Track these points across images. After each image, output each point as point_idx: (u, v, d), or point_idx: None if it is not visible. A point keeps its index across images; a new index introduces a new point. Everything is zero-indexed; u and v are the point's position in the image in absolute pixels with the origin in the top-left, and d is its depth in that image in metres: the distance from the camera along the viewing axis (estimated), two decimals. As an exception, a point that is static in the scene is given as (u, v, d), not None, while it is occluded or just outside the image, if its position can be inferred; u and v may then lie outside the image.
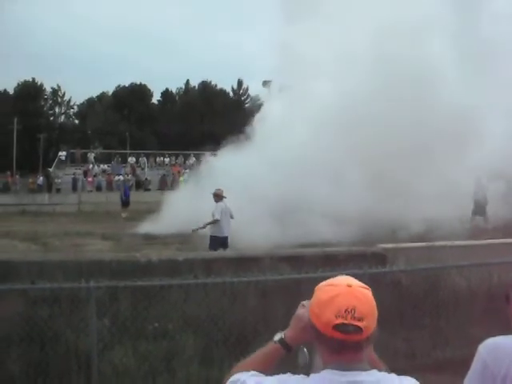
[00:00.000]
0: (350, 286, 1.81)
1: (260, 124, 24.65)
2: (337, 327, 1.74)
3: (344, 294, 1.78)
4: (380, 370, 1.88)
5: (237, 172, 19.64)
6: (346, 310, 1.74)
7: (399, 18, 20.12)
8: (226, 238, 13.52)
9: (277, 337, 2.06)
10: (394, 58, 19.69)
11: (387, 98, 19.36)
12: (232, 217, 13.69)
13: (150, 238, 19.12)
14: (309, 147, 19.72)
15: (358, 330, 1.74)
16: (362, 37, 21.07)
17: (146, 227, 21.42)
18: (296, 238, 14.57)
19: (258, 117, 26.03)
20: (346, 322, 1.73)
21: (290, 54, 24.11)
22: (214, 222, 13.32)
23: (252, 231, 15.44)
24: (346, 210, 17.14)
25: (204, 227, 13.79)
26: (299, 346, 2.04)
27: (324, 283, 1.88)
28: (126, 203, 31.89)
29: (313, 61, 22.82)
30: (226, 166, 20.70)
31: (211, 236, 13.50)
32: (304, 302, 2.01)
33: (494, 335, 2.33)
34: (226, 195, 13.80)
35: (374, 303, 1.82)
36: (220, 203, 13.52)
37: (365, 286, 1.85)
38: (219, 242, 13.24)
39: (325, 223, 16.84)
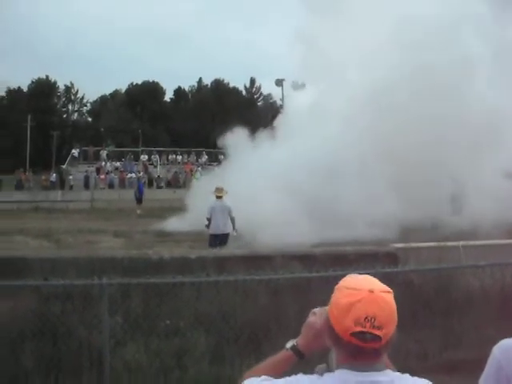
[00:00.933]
0: (371, 291, 1.76)
1: (285, 120, 24.37)
2: (355, 335, 1.72)
3: (365, 300, 1.74)
4: (394, 370, 1.88)
5: (267, 169, 19.58)
6: (365, 318, 1.71)
7: (425, 8, 20.08)
8: (221, 235, 13.65)
9: (289, 344, 2.06)
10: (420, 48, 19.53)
11: (413, 89, 19.30)
12: (231, 215, 13.70)
13: (162, 236, 19.17)
14: (337, 142, 19.57)
15: (377, 338, 1.72)
16: (387, 27, 20.95)
17: (172, 224, 21.39)
18: (333, 237, 14.29)
19: (282, 113, 25.70)
20: (364, 330, 1.71)
21: (315, 47, 23.89)
22: (208, 221, 13.72)
23: (290, 229, 15.26)
24: (375, 210, 17.11)
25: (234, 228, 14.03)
26: (312, 353, 2.04)
27: (345, 284, 1.83)
28: (140, 200, 32.06)
29: (338, 53, 22.68)
30: (252, 163, 20.52)
31: (209, 234, 13.93)
32: (315, 310, 2.01)
33: (507, 336, 2.32)
34: (226, 193, 14.17)
35: (394, 309, 1.78)
36: (213, 202, 13.88)
37: (387, 289, 1.81)
38: (213, 239, 13.61)
39: (357, 222, 16.72)
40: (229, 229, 13.83)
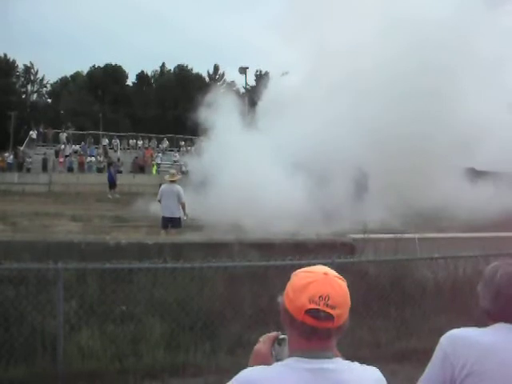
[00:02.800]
0: (326, 274, 1.83)
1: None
2: (309, 312, 1.76)
3: (320, 281, 1.80)
4: (343, 359, 1.91)
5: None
6: (320, 297, 1.76)
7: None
8: (172, 218, 13.80)
9: None
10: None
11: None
12: (181, 199, 13.82)
13: (120, 221, 18.99)
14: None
15: (330, 317, 1.76)
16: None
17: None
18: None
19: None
20: (318, 307, 1.75)
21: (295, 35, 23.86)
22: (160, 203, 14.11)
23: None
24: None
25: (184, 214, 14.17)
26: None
27: (301, 270, 1.89)
28: (113, 185, 32.11)
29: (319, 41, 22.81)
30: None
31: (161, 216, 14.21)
32: (261, 338, 2.04)
33: (457, 326, 2.39)
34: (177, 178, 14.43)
35: (348, 294, 1.84)
36: (164, 185, 14.24)
37: (341, 277, 1.87)
38: (165, 222, 13.88)
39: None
40: (179, 213, 13.91)
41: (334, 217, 15.38)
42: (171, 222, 13.77)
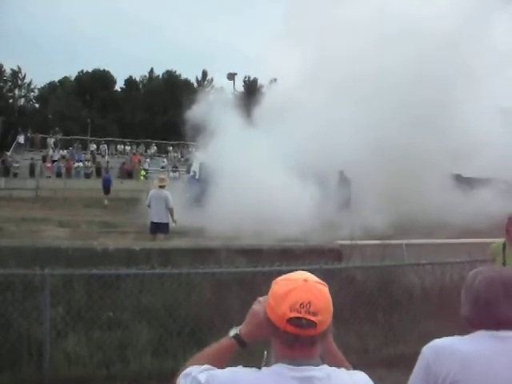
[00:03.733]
0: (306, 280, 1.83)
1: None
2: (291, 321, 1.76)
3: (300, 288, 1.80)
4: (339, 367, 1.93)
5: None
6: (301, 304, 1.76)
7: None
8: (160, 224, 13.76)
9: (232, 332, 2.05)
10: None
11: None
12: (169, 205, 13.78)
13: (107, 226, 18.93)
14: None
15: (312, 324, 1.76)
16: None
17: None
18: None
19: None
20: (300, 315, 1.75)
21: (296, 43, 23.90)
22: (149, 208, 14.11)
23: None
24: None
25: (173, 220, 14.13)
26: (254, 342, 2.04)
27: (281, 278, 1.89)
28: (107, 190, 31.75)
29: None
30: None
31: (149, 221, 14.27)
32: (260, 298, 2.02)
33: (445, 332, 2.41)
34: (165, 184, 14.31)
35: (329, 299, 1.84)
36: (152, 191, 14.31)
37: (321, 281, 1.87)
38: (152, 227, 13.90)
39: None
40: (167, 219, 13.87)
41: (336, 222, 15.46)
42: (159, 228, 13.74)
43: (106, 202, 30.25)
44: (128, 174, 43.19)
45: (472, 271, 2.45)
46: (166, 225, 13.87)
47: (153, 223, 13.88)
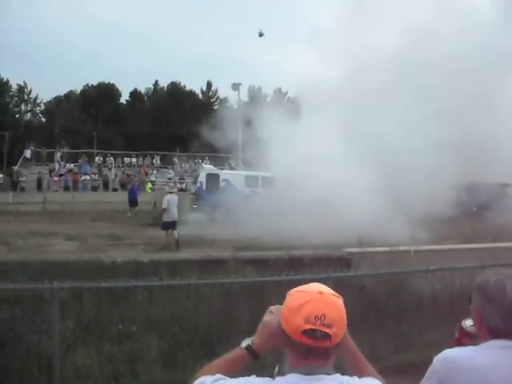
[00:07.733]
0: (321, 293, 1.83)
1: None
2: (305, 333, 1.76)
3: (315, 300, 1.80)
4: (380, 379, 1.93)
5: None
6: (315, 317, 1.76)
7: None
8: (174, 222, 17.19)
9: (244, 343, 2.05)
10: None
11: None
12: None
13: (115, 239, 18.93)
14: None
15: (327, 336, 1.76)
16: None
17: None
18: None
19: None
20: (314, 327, 1.75)
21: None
22: (163, 211, 17.40)
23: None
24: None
25: (163, 210, 17.46)
26: (266, 353, 2.03)
27: (295, 289, 1.89)
28: (134, 202, 31.45)
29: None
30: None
31: (162, 220, 17.47)
32: (272, 308, 2.01)
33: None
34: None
35: (344, 311, 1.84)
36: (167, 196, 17.57)
37: (336, 294, 1.87)
38: (167, 225, 17.15)
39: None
40: (177, 217, 17.38)
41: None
42: (173, 225, 17.06)
43: (129, 213, 29.98)
44: (122, 185, 41.67)
45: (487, 279, 2.25)
46: (176, 222, 17.28)
47: (168, 222, 17.03)
